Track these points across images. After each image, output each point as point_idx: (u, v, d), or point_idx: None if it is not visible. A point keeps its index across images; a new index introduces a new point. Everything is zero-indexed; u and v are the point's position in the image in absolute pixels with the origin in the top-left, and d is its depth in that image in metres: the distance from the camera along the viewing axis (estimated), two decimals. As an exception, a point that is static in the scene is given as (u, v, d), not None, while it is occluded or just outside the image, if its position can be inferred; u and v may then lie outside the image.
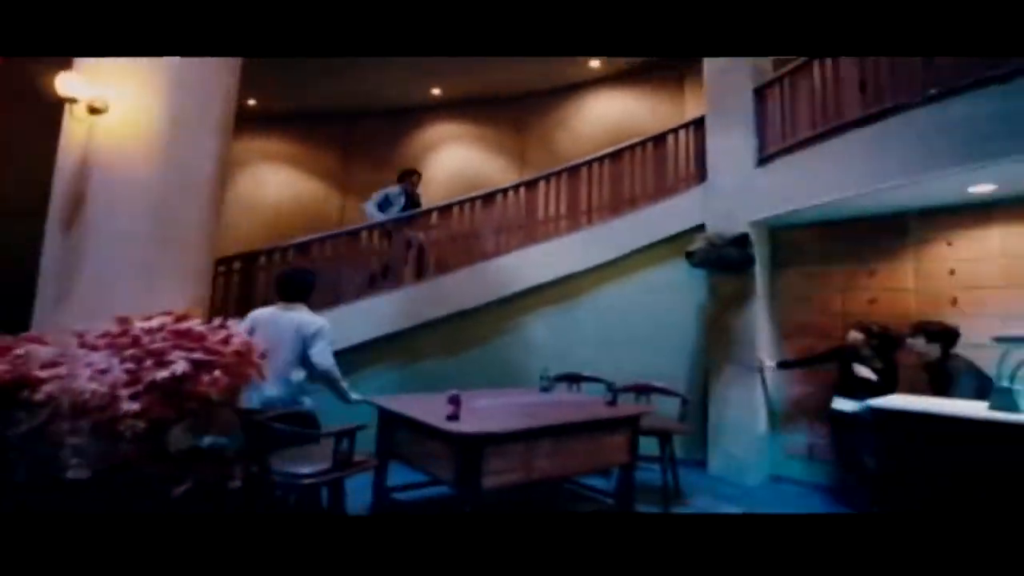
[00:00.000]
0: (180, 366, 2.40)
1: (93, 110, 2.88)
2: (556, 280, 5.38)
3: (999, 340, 2.78)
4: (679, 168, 5.37)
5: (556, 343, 5.37)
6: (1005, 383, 2.48)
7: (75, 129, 2.94)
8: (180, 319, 2.67)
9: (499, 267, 5.41)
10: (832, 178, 3.95)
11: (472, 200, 5.47)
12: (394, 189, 5.93)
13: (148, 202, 2.98)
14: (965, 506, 2.43)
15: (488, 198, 5.49)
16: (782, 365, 4.57)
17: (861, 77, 3.90)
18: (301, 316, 3.05)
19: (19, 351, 2.47)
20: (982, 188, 3.59)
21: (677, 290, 5.19)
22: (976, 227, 3.92)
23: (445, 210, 5.52)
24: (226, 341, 2.76)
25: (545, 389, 4.15)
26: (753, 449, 4.58)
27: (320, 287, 5.09)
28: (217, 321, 2.85)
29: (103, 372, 2.31)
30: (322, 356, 3.00)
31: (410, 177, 6.09)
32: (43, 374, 2.44)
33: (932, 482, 2.56)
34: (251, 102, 7.46)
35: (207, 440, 3.06)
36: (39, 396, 2.40)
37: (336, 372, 3.06)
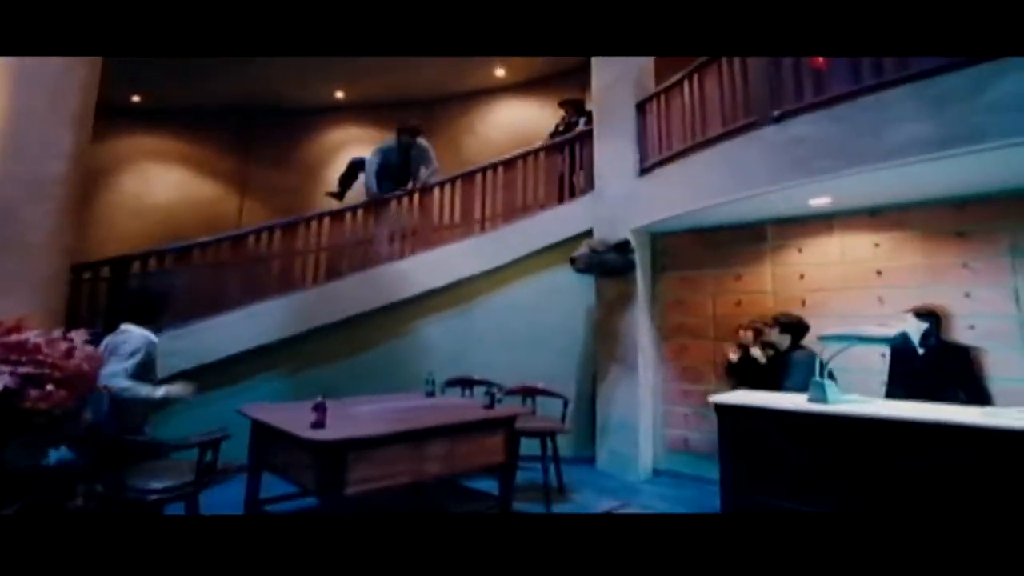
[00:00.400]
0: (2, 380, 2.26)
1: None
2: (451, 284, 5.45)
3: (821, 339, 3.13)
4: (569, 176, 5.59)
5: (451, 347, 5.44)
6: (818, 377, 2.80)
7: None
8: (10, 329, 2.51)
9: (394, 272, 5.41)
10: (698, 188, 4.27)
11: (367, 205, 5.44)
12: (390, 142, 5.87)
13: (-22, 203, 2.78)
14: (797, 491, 2.71)
15: (383, 203, 5.48)
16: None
17: (722, 95, 4.24)
18: (116, 336, 2.91)
19: None
20: (821, 201, 4.01)
21: (568, 294, 5.41)
22: (820, 235, 4.36)
23: (338, 215, 5.46)
24: (68, 354, 2.62)
25: (430, 394, 4.20)
26: (636, 445, 4.83)
27: (203, 294, 4.92)
28: (58, 332, 2.70)
29: (-94, 388, 2.14)
30: (108, 378, 2.77)
31: (408, 132, 5.90)
32: None
33: (770, 469, 2.83)
34: (135, 98, 7.03)
35: (53, 456, 2.90)
36: None
37: (129, 391, 2.81)
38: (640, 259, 5.06)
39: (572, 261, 4.82)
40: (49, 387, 2.41)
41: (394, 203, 5.50)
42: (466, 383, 4.81)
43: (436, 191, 5.61)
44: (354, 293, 5.30)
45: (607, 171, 5.27)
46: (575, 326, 5.46)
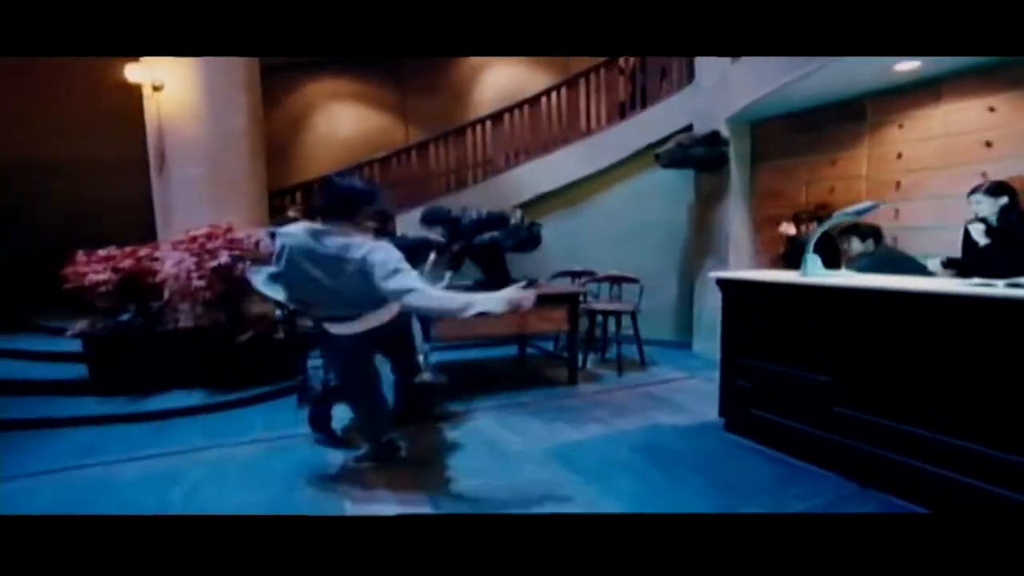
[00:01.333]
0: (223, 258, 3.90)
1: (155, 88, 4.34)
2: (561, 188, 6.21)
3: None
4: (671, 71, 5.75)
5: (564, 244, 6.29)
6: (807, 253, 3.05)
7: (148, 104, 4.46)
8: (227, 230, 4.17)
9: (511, 179, 6.36)
10: (777, 63, 4.21)
11: (482, 120, 6.40)
12: None
13: (201, 152, 4.43)
14: (775, 354, 3.08)
15: (497, 118, 6.37)
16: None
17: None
18: None
19: (141, 253, 4.13)
20: (908, 66, 3.74)
21: (671, 191, 5.77)
22: (925, 107, 4.04)
23: (460, 132, 6.53)
24: (257, 245, 4.23)
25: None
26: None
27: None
28: (250, 230, 4.32)
29: (179, 263, 3.88)
30: None
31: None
32: (156, 266, 4.10)
33: (756, 335, 3.21)
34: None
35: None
36: (156, 280, 4.07)
37: None
38: (738, 150, 5.18)
39: (656, 157, 5.18)
40: (248, 263, 4.03)
41: (507, 116, 6.35)
42: (572, 274, 5.70)
43: (543, 100, 6.28)
44: (478, 200, 6.41)
45: (704, 60, 5.33)
46: (678, 222, 5.83)
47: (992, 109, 3.74)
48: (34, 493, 2.71)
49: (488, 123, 6.39)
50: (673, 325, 5.93)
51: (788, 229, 4.37)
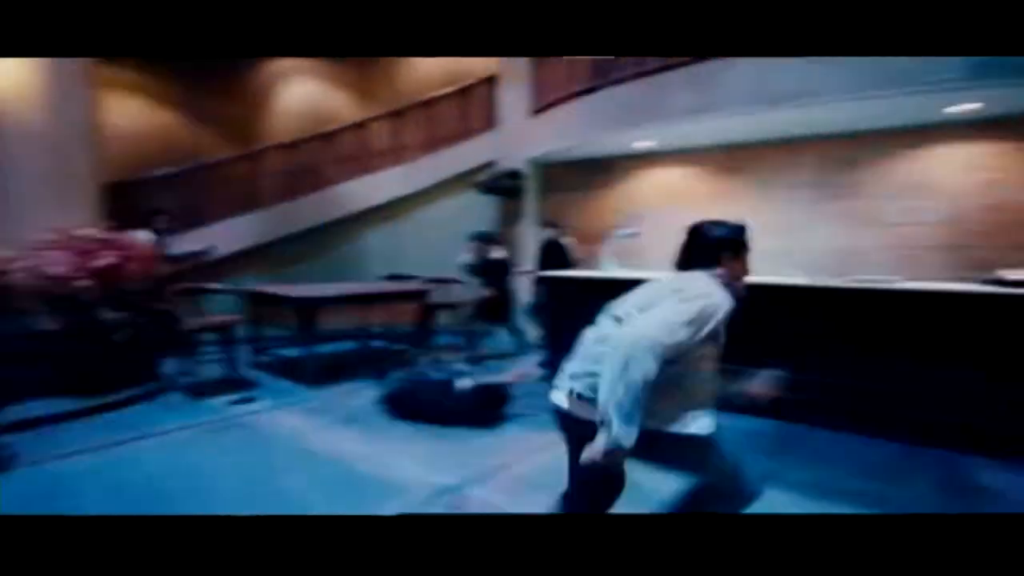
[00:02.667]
0: (105, 260, 4.06)
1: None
2: (385, 203, 7.28)
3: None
4: (479, 115, 7.37)
5: (386, 251, 7.36)
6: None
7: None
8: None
9: (340, 192, 7.19)
10: (563, 129, 6.09)
11: (312, 138, 7.15)
12: None
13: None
14: None
15: (327, 136, 7.18)
16: None
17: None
18: None
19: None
20: (643, 144, 5.96)
21: (478, 211, 7.33)
22: (648, 168, 6.38)
23: (291, 146, 7.14)
24: (131, 245, 4.41)
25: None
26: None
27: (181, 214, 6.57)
28: (116, 232, 4.47)
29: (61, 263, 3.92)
30: None
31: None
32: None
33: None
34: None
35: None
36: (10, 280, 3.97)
37: None
38: (537, 185, 6.99)
39: (476, 185, 6.72)
40: (132, 264, 4.22)
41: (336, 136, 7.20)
42: (399, 277, 6.76)
43: (373, 125, 7.32)
44: (310, 210, 7.08)
45: (508, 111, 7.05)
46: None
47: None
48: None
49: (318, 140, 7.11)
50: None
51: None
